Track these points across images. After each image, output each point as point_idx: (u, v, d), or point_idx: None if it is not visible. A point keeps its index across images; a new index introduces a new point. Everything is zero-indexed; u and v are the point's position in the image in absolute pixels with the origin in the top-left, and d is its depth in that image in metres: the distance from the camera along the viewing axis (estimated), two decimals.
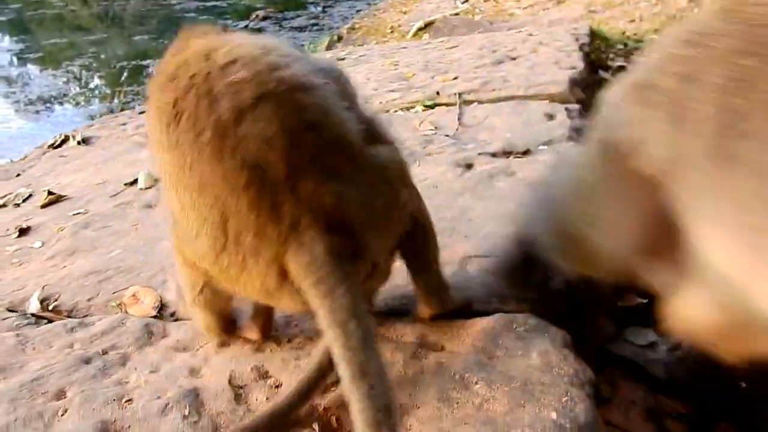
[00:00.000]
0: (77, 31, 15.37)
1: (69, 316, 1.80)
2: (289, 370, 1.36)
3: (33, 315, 1.81)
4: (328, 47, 11.55)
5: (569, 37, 4.62)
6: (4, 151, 9.06)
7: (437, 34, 9.70)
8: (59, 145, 3.66)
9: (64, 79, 12.33)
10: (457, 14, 10.70)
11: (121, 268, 1.97)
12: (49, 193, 2.80)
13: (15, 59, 14.53)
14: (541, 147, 2.57)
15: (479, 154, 2.48)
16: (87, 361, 1.49)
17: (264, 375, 1.36)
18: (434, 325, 1.48)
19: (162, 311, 1.73)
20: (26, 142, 8.91)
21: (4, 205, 2.89)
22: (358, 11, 15.90)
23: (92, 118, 10.10)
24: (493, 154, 2.48)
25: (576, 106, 3.06)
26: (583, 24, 6.21)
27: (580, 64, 3.65)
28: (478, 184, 2.19)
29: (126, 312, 1.75)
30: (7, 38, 16.67)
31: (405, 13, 12.88)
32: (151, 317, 1.70)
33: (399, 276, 1.47)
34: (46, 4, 20.76)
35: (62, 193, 2.83)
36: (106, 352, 1.53)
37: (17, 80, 13.02)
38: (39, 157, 3.54)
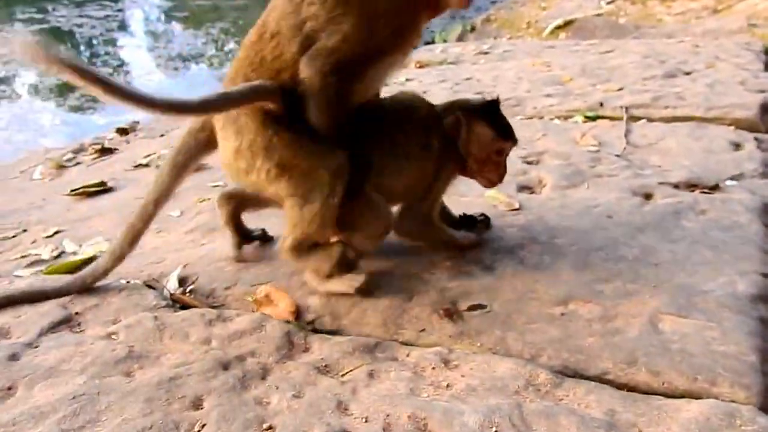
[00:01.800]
0: None
1: (207, 303, 1.70)
2: (453, 427, 1.17)
3: (171, 296, 1.72)
4: (460, 37, 11.24)
5: (748, 53, 4.11)
6: None
7: (577, 34, 9.18)
8: None
9: (204, 40, 12.76)
10: (600, 15, 10.11)
11: (261, 259, 1.86)
12: None
13: (163, 16, 15.28)
14: (729, 182, 2.23)
15: (659, 183, 2.18)
16: (225, 366, 1.37)
17: (423, 428, 1.17)
18: (621, 396, 1.24)
19: (299, 318, 1.59)
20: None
21: (147, 165, 2.90)
22: (493, 2, 15.50)
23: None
24: (676, 186, 2.17)
25: (767, 137, 2.67)
26: (754, 40, 5.60)
27: None
28: (662, 221, 1.91)
29: (260, 311, 1.62)
30: None
31: (544, 9, 12.33)
32: (289, 322, 1.56)
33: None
34: None
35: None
36: (245, 359, 1.40)
37: (162, 36, 13.65)
38: (182, 119, 3.54)
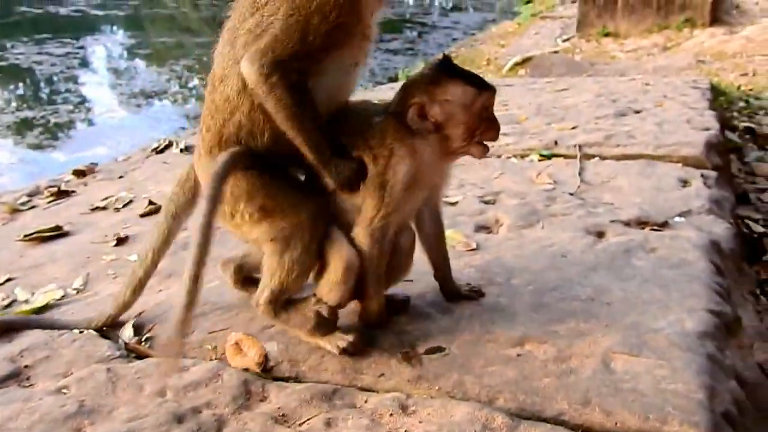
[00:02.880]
0: (186, 32, 15.92)
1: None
2: None
3: (126, 345, 1.69)
4: None
5: (695, 91, 4.29)
6: (104, 139, 9.42)
7: (535, 70, 9.45)
8: (162, 150, 3.64)
9: (167, 77, 12.74)
10: (556, 52, 10.42)
11: (219, 305, 1.84)
12: (150, 202, 2.74)
13: (126, 53, 15.19)
14: (677, 218, 2.31)
15: (611, 221, 2.24)
16: (180, 419, 1.35)
17: None
18: None
19: (265, 366, 1.58)
20: (125, 134, 9.25)
21: (105, 208, 2.86)
22: (454, 39, 15.84)
23: (187, 117, 10.40)
24: (627, 223, 2.24)
25: (713, 173, 2.77)
26: (701, 78, 5.84)
27: (715, 125, 3.35)
28: (614, 260, 1.96)
29: (224, 359, 1.60)
30: (121, 33, 17.53)
31: (503, 46, 12.68)
32: (253, 373, 1.54)
33: None
34: (161, 3, 21.71)
35: (162, 204, 2.76)
36: (201, 411, 1.39)
37: (125, 73, 13.56)
38: (142, 160, 3.52)
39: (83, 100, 11.21)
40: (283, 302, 1.60)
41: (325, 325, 1.59)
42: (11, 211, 2.96)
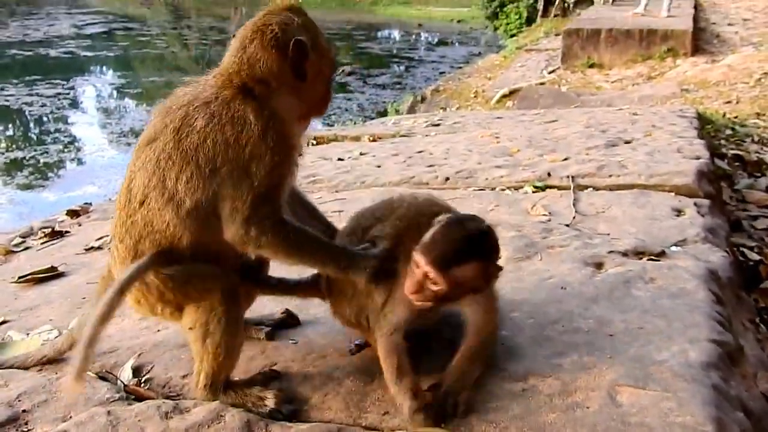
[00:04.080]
0: (175, 71, 16.07)
1: (163, 394, 1.65)
2: None
3: (125, 387, 1.67)
4: (411, 108, 11.59)
5: (682, 120, 4.35)
6: (95, 178, 9.41)
7: (522, 102, 9.58)
8: None
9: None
10: (543, 84, 10.58)
11: None
12: None
13: (115, 93, 15.30)
14: (674, 248, 2.32)
15: (608, 252, 2.25)
16: None
17: None
18: None
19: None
20: (116, 173, 9.25)
21: (100, 248, 2.84)
22: (441, 73, 16.06)
23: None
24: (624, 254, 2.24)
25: (706, 202, 2.80)
26: (687, 106, 5.94)
27: (705, 153, 3.39)
28: (614, 291, 1.96)
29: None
30: (111, 73, 17.68)
31: (490, 79, 12.87)
32: (250, 411, 1.52)
33: None
34: (150, 44, 21.94)
35: None
36: None
37: (114, 113, 13.64)
38: None
39: (73, 140, 11.24)
40: (220, 383, 1.58)
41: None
42: (5, 252, 2.94)
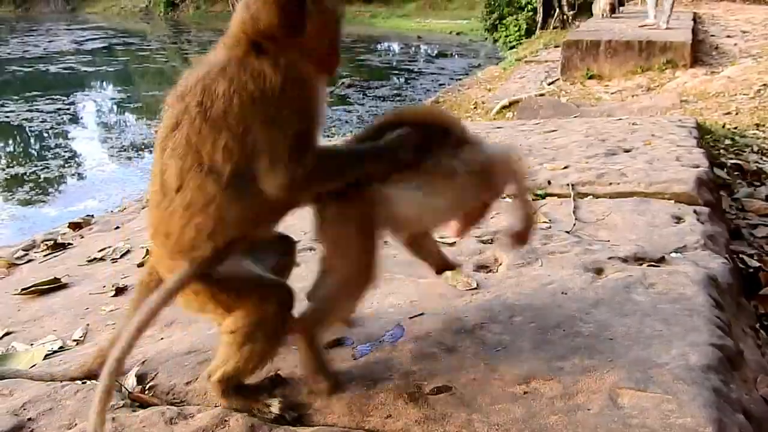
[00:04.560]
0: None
1: (167, 401, 1.66)
2: None
3: (129, 394, 1.68)
4: None
5: (682, 130, 4.38)
6: (96, 193, 9.44)
7: (522, 113, 9.62)
8: None
9: (157, 130, 12.88)
10: (542, 95, 10.64)
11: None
12: (148, 252, 2.74)
13: (116, 107, 15.38)
14: (674, 254, 2.34)
15: (608, 258, 2.26)
16: None
17: None
18: None
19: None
20: (116, 186, 9.28)
21: (102, 259, 2.86)
22: (440, 85, 16.15)
23: None
24: (624, 260, 2.26)
25: (705, 209, 2.82)
26: (686, 117, 5.97)
27: (704, 162, 3.41)
28: (614, 296, 1.97)
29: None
30: (111, 88, 17.77)
31: (490, 90, 12.94)
32: (254, 415, 1.53)
33: None
34: (150, 59, 22.08)
35: None
36: None
37: (115, 127, 13.70)
38: (138, 211, 3.54)
39: (74, 155, 11.27)
40: (234, 385, 1.58)
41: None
42: (8, 265, 2.96)
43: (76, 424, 1.55)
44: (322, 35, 1.59)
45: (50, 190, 9.88)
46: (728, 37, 12.87)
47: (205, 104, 1.46)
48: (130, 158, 11.22)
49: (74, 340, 2.14)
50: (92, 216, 3.61)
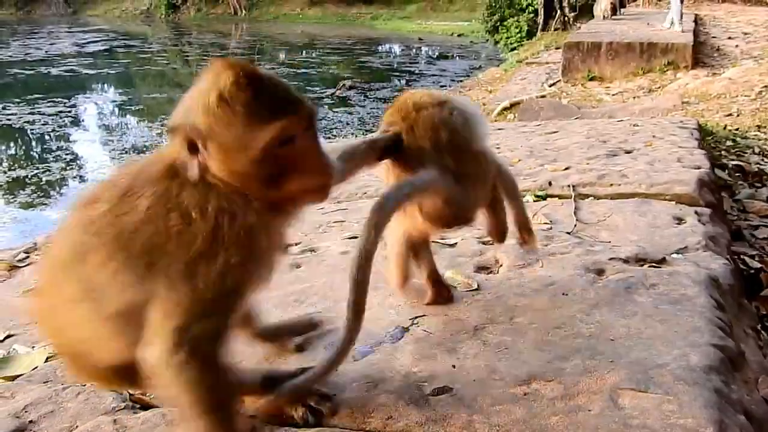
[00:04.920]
0: (176, 87, 16.20)
1: (168, 403, 1.66)
2: None
3: (131, 397, 1.68)
4: None
5: (683, 131, 4.38)
6: None
7: (523, 115, 9.63)
8: None
9: (158, 131, 12.89)
10: (543, 96, 10.65)
11: None
12: None
13: (117, 110, 15.42)
14: (675, 255, 2.34)
15: (609, 259, 2.26)
16: None
17: None
18: None
19: None
20: None
21: None
22: (441, 87, 16.19)
23: None
24: (625, 261, 2.26)
25: (707, 210, 2.81)
26: (687, 118, 5.97)
27: (706, 163, 3.41)
28: (615, 297, 1.97)
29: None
30: (112, 90, 17.82)
31: (490, 92, 12.96)
32: (254, 417, 1.53)
33: None
34: (151, 61, 22.15)
35: None
36: None
37: (116, 130, 13.75)
38: None
39: (75, 158, 11.30)
40: None
41: None
42: (9, 268, 2.96)
43: (77, 427, 1.55)
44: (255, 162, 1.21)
45: (52, 192, 9.90)
46: (729, 38, 12.87)
47: (119, 209, 1.22)
48: (132, 160, 11.22)
49: None
50: None
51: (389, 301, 2.06)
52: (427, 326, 1.88)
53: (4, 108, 14.28)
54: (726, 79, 9.59)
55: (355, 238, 2.66)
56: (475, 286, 2.13)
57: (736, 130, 6.91)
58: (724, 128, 6.86)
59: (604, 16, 14.35)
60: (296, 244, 2.67)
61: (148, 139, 12.35)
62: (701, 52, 11.18)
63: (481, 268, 2.30)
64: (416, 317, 1.93)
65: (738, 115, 8.05)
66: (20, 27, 32.57)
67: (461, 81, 15.43)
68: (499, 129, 5.42)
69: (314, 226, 2.93)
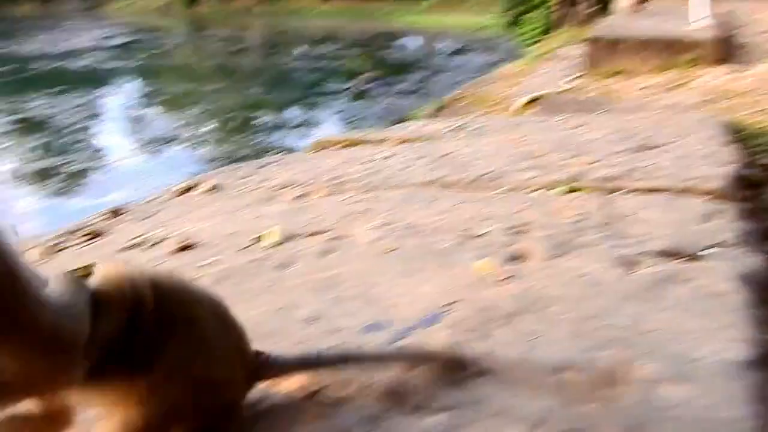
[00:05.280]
0: (197, 80, 16.35)
1: None
2: None
3: None
4: (432, 115, 11.65)
5: (711, 127, 4.34)
6: (120, 186, 9.57)
7: (546, 109, 9.58)
8: (186, 191, 3.72)
9: (181, 123, 13.02)
10: (564, 91, 10.58)
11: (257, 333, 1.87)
12: (181, 239, 2.79)
13: (138, 102, 15.57)
14: (707, 251, 2.33)
15: (641, 253, 2.26)
16: None
17: None
18: None
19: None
20: (142, 179, 9.40)
21: (138, 246, 2.92)
22: (460, 81, 16.14)
23: (202, 161, 10.53)
24: (657, 255, 2.26)
25: (737, 206, 2.80)
26: (715, 114, 5.92)
27: (735, 160, 3.39)
28: (648, 290, 1.98)
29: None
30: (134, 83, 18.01)
31: (511, 86, 12.88)
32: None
33: None
34: (170, 54, 22.38)
35: (193, 241, 2.81)
36: None
37: (139, 121, 13.90)
38: (167, 201, 3.60)
39: (100, 149, 11.45)
40: None
41: None
42: (46, 252, 3.02)
43: None
44: None
45: (77, 183, 10.04)
46: (756, 34, 12.69)
47: None
48: (154, 151, 11.35)
49: None
50: (127, 204, 3.68)
51: (422, 289, 2.08)
52: (460, 313, 1.90)
53: (28, 101, 14.46)
54: (752, 76, 9.45)
55: (385, 225, 2.71)
56: (507, 276, 2.14)
57: (764, 127, 6.82)
58: (752, 125, 6.78)
59: (626, 11, 14.21)
60: (326, 232, 2.70)
61: (170, 131, 12.46)
62: (727, 48, 11.01)
63: (512, 258, 2.31)
64: (449, 304, 1.95)
65: (765, 112, 7.95)
66: (39, 21, 32.91)
67: (480, 76, 15.37)
68: (522, 122, 5.41)
69: (341, 215, 2.95)
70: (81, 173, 10.17)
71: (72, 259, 2.90)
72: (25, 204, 8.90)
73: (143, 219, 3.32)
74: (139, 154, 11.19)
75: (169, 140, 11.76)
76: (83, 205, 8.41)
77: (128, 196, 8.28)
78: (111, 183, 9.51)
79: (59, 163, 10.44)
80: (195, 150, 11.28)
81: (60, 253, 3.05)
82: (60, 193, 9.36)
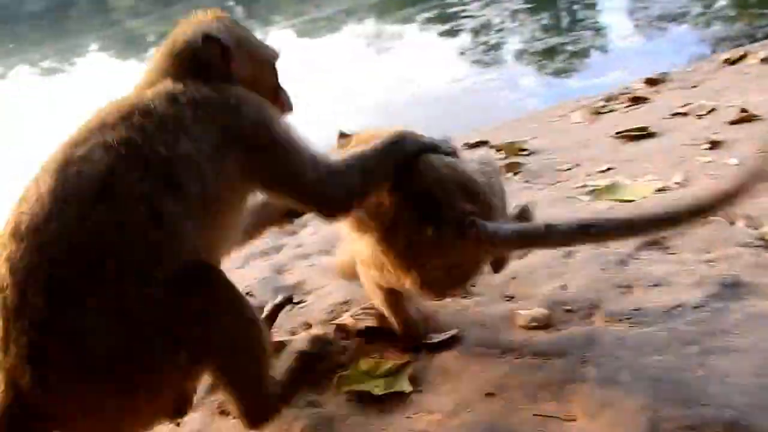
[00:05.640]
0: None
1: None
2: None
3: None
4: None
5: None
6: (621, 64, 9.52)
7: None
8: (736, 62, 3.45)
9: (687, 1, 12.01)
10: None
11: None
12: (742, 110, 2.63)
13: None
14: None
15: None
16: None
17: None
18: None
19: None
20: (645, 59, 9.15)
21: (685, 114, 2.89)
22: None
23: (709, 41, 9.60)
24: None
25: None
26: None
27: None
28: None
29: None
30: None
31: None
32: None
33: None
34: None
35: (753, 113, 2.63)
36: None
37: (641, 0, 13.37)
38: (714, 71, 3.42)
39: (601, 27, 11.46)
40: None
41: None
42: (594, 112, 3.24)
43: None
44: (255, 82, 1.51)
45: (576, 62, 10.38)
46: None
47: None
48: (659, 29, 10.88)
49: (675, 183, 2.23)
50: (667, 73, 3.65)
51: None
52: None
53: None
54: None
55: None
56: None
57: None
58: None
59: None
60: None
61: (677, 7, 11.67)
62: None
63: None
64: None
65: None
66: None
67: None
68: None
69: None
70: (580, 53, 10.43)
71: (621, 121, 3.04)
72: (530, 80, 9.63)
73: (686, 88, 3.25)
74: (641, 32, 10.80)
75: (675, 17, 11.02)
76: (577, 85, 8.68)
77: (627, 76, 8.26)
78: (609, 62, 9.50)
79: (564, 41, 10.86)
80: (702, 29, 10.31)
81: (605, 114, 3.23)
82: (559, 71, 9.81)
